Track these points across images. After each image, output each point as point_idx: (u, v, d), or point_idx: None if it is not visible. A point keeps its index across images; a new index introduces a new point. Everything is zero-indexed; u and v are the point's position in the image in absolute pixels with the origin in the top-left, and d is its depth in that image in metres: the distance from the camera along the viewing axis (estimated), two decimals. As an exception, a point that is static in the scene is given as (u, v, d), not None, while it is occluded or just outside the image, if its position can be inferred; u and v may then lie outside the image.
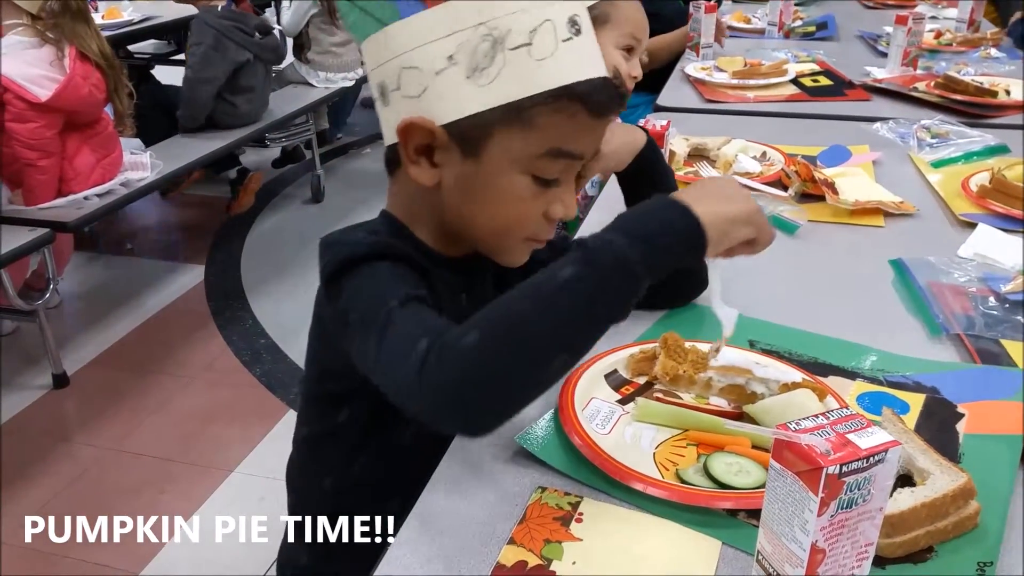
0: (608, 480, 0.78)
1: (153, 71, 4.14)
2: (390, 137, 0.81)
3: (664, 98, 2.20)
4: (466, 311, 0.85)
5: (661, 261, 0.69)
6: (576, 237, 0.69)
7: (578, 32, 0.75)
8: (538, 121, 0.74)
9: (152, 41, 4.47)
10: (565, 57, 0.74)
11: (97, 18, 3.85)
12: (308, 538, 0.93)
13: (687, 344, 0.92)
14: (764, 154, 1.65)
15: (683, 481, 0.78)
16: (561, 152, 0.77)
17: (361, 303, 0.74)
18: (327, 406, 0.88)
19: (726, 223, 0.72)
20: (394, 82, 0.77)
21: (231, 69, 3.24)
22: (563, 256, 0.68)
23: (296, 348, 2.78)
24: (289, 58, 4.00)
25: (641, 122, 1.35)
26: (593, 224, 1.38)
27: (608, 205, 1.45)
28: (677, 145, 1.62)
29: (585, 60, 0.76)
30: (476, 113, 0.74)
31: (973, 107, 1.98)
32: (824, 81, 2.26)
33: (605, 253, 0.67)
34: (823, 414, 0.60)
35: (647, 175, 1.01)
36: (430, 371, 0.65)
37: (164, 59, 4.35)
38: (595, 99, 0.76)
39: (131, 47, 4.27)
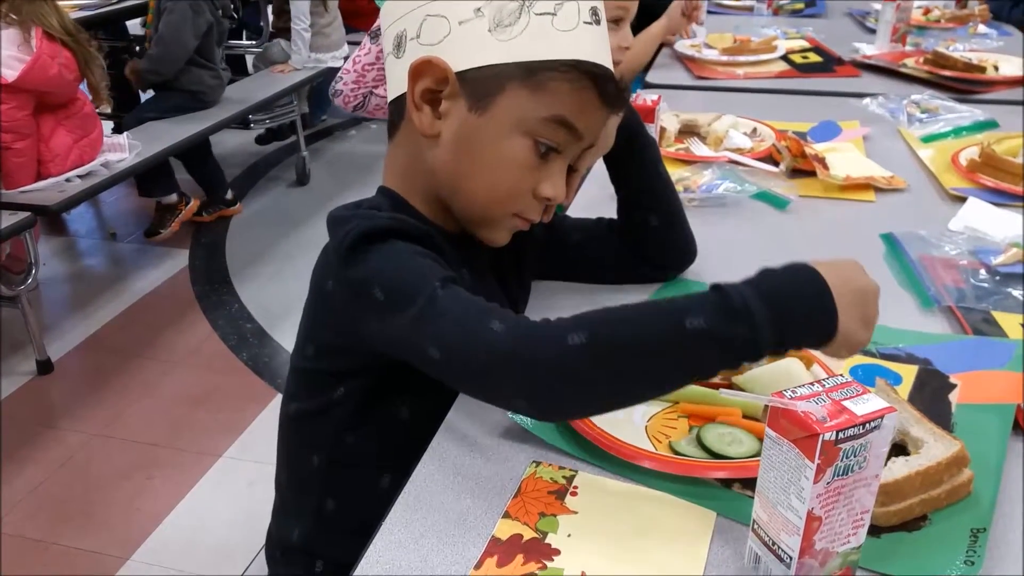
0: (602, 454, 0.78)
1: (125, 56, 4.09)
2: (397, 89, 0.82)
3: (653, 75, 2.18)
4: (469, 285, 0.85)
5: (785, 348, 0.67)
6: (715, 283, 0.67)
7: (598, 22, 0.79)
8: (550, 86, 0.76)
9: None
10: (584, 37, 0.77)
11: (73, -1, 3.80)
12: (297, 516, 0.93)
13: None
14: (755, 130, 1.64)
15: (676, 453, 0.78)
16: (565, 122, 0.78)
17: (389, 279, 0.73)
18: (322, 383, 0.87)
19: (854, 342, 0.69)
20: (415, 30, 0.78)
21: (202, 32, 3.24)
22: (690, 295, 0.67)
23: (282, 332, 2.76)
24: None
25: (631, 98, 1.34)
26: (582, 207, 1.37)
27: (596, 181, 1.44)
28: (668, 121, 1.61)
29: (600, 49, 0.79)
30: (491, 65, 0.76)
31: (962, 83, 1.98)
32: (814, 58, 2.25)
33: (742, 324, 0.64)
34: (818, 381, 0.60)
35: (630, 147, 1.01)
36: (525, 348, 0.66)
37: (142, 40, 4.28)
38: (606, 86, 0.79)
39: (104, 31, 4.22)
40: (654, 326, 0.66)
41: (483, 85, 0.77)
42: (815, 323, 0.66)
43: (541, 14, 0.75)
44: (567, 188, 0.87)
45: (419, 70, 0.78)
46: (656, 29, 2.21)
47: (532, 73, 0.76)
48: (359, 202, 0.87)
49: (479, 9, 0.75)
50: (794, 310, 0.66)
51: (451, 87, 0.78)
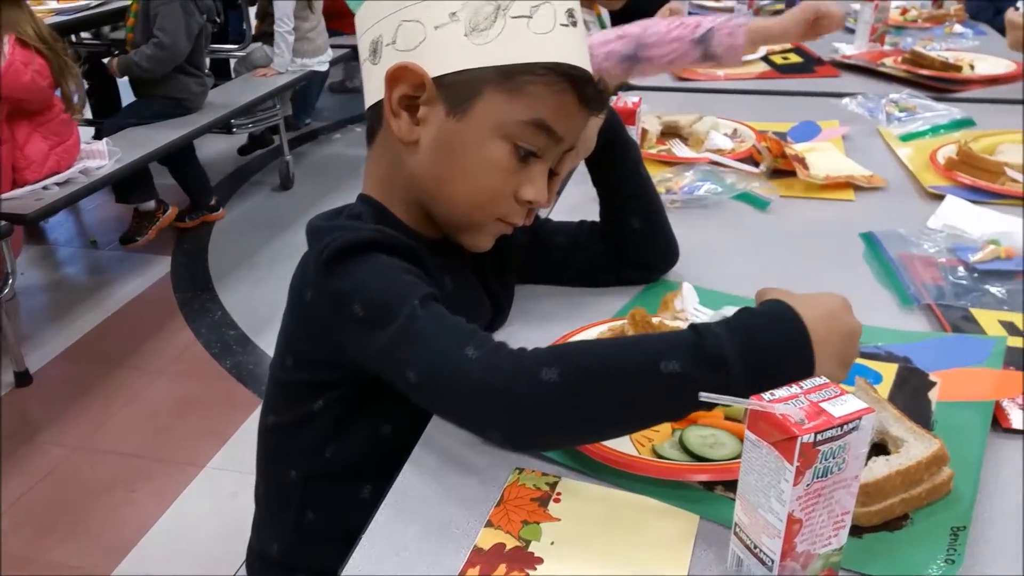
0: (584, 460, 0.78)
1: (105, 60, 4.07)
2: (374, 95, 0.81)
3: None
4: (451, 296, 0.85)
5: (759, 391, 0.67)
6: (693, 322, 0.67)
7: (574, 24, 0.79)
8: (528, 89, 0.77)
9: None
10: (561, 39, 0.77)
11: (52, 2, 3.78)
12: (277, 528, 0.92)
13: (654, 319, 0.92)
14: (735, 131, 1.65)
15: (659, 456, 0.78)
16: (544, 126, 0.78)
17: (370, 295, 0.73)
18: (300, 395, 0.86)
19: (832, 380, 0.68)
20: (391, 35, 0.78)
21: (194, 35, 3.25)
22: (666, 335, 0.68)
23: (267, 338, 2.75)
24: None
25: (612, 101, 1.34)
26: (564, 210, 1.37)
27: (579, 183, 1.44)
28: (649, 123, 1.62)
29: (578, 50, 0.79)
30: (468, 69, 0.76)
31: (939, 81, 1.99)
32: (794, 58, 2.27)
33: (717, 373, 0.63)
34: (797, 383, 0.60)
35: (611, 148, 1.01)
36: (499, 381, 0.66)
37: (122, 45, 4.26)
38: (584, 88, 0.79)
39: (89, 33, 4.19)
40: (628, 367, 0.65)
41: (460, 90, 0.77)
42: (791, 370, 0.65)
43: (517, 17, 0.75)
44: (553, 182, 0.87)
45: (395, 76, 0.78)
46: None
47: (509, 77, 0.76)
48: (339, 210, 0.86)
49: (454, 14, 0.75)
50: (770, 361, 0.65)
51: (428, 93, 0.78)
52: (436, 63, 0.77)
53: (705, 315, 0.84)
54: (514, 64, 0.75)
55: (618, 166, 1.03)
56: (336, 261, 0.74)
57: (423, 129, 0.79)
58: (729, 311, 0.74)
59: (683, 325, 0.86)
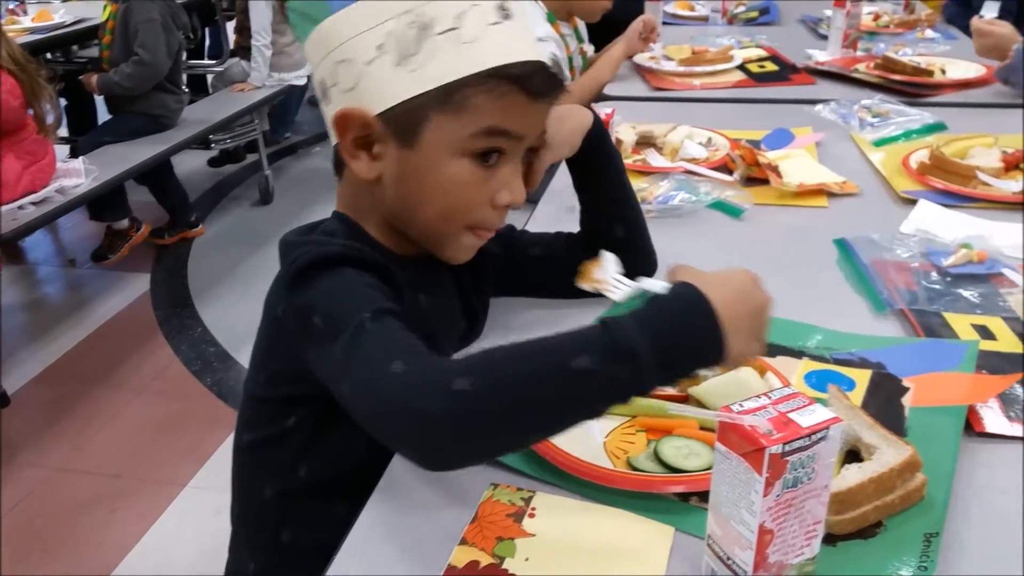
0: (559, 473, 0.77)
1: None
2: (334, 135, 0.80)
3: (610, 87, 2.19)
4: (426, 313, 0.84)
5: (673, 381, 0.67)
6: (602, 317, 0.66)
7: (507, 16, 0.76)
8: (471, 103, 0.75)
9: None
10: (494, 40, 0.74)
11: (26, 21, 3.76)
12: (253, 549, 0.91)
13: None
14: (709, 140, 1.65)
15: (634, 468, 0.78)
16: (496, 130, 0.77)
17: (329, 307, 0.72)
18: (274, 411, 0.86)
19: (744, 357, 0.69)
20: (332, 78, 0.78)
21: (174, 52, 3.25)
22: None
23: (247, 355, 2.68)
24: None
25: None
26: (545, 217, 1.37)
27: (555, 196, 1.45)
28: (624, 133, 1.62)
29: (516, 44, 0.76)
30: (408, 99, 0.74)
31: (911, 86, 2.01)
32: (770, 67, 2.28)
33: (627, 365, 0.62)
34: (765, 394, 0.60)
35: (595, 155, 1.01)
36: (410, 398, 0.62)
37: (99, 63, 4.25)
38: (530, 81, 0.76)
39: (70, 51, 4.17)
40: (539, 368, 0.63)
41: (405, 121, 0.76)
42: (702, 356, 0.66)
43: (444, 33, 0.73)
44: (533, 176, 0.87)
45: (340, 123, 0.77)
46: (616, 52, 2.24)
47: (449, 96, 0.74)
48: (312, 225, 0.86)
49: (380, 46, 0.74)
50: (680, 347, 0.65)
51: (376, 130, 0.77)
52: (375, 100, 0.75)
53: (626, 286, 0.82)
54: (451, 82, 0.74)
55: (603, 173, 1.03)
56: (304, 275, 0.74)
57: (382, 164, 0.79)
58: (647, 283, 0.77)
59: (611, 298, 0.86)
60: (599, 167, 1.02)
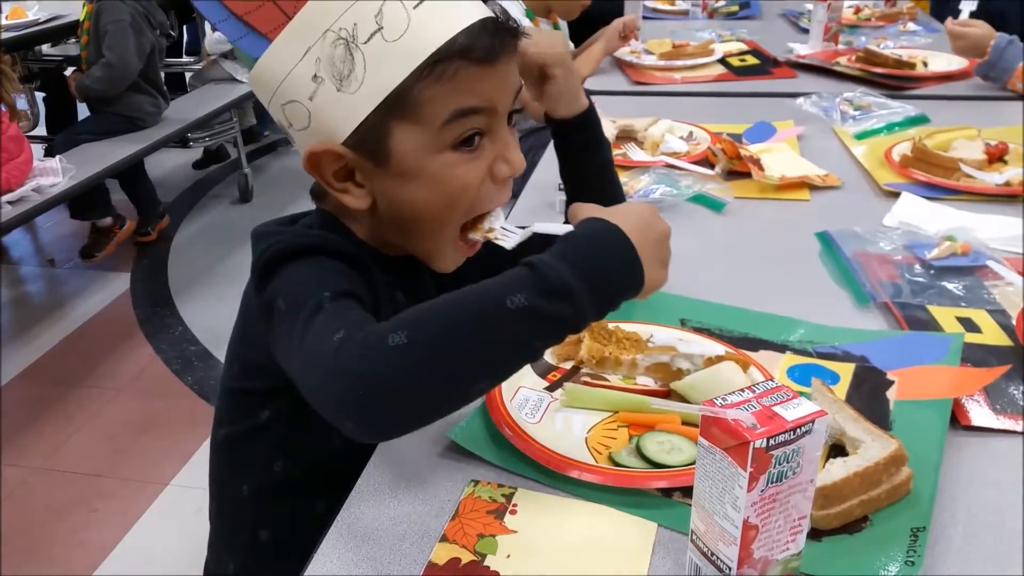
0: (541, 469, 0.76)
1: (66, 72, 4.00)
2: (314, 176, 0.77)
3: (591, 82, 2.18)
4: (405, 309, 0.82)
5: (607, 312, 0.66)
6: (527, 259, 0.64)
7: None
8: (424, 98, 0.70)
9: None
10: (422, 24, 0.69)
11: (0, 18, 3.70)
12: (231, 548, 0.90)
13: (611, 325, 0.91)
14: (690, 134, 1.65)
15: (616, 464, 0.77)
16: (462, 112, 0.72)
17: (292, 290, 0.70)
18: (248, 404, 0.84)
19: (656, 285, 0.70)
20: (286, 120, 0.74)
21: (146, 54, 3.20)
22: (507, 269, 0.64)
23: (229, 353, 2.70)
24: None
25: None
26: (523, 212, 1.36)
27: (537, 189, 1.43)
28: (604, 128, 1.60)
29: (446, 17, 0.70)
30: (363, 121, 0.71)
31: (893, 79, 2.01)
32: (751, 60, 2.28)
33: (564, 302, 0.62)
34: (749, 388, 0.59)
35: (586, 137, 1.00)
36: (346, 360, 0.60)
37: (76, 60, 4.20)
38: (477, 47, 0.70)
39: (43, 49, 4.11)
40: (475, 310, 0.62)
41: (369, 141, 0.72)
42: (628, 284, 0.67)
43: (369, 39, 0.68)
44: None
45: (311, 164, 0.74)
46: (596, 50, 2.23)
47: (401, 101, 0.70)
48: (295, 216, 0.84)
49: (315, 77, 0.70)
50: (610, 278, 0.66)
51: (349, 159, 0.74)
52: (334, 132, 0.72)
53: (513, 234, 0.79)
54: (395, 89, 0.70)
55: (591, 159, 1.02)
56: (274, 264, 0.72)
57: (369, 189, 0.76)
58: (540, 226, 0.75)
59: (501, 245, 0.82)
60: (588, 152, 1.01)
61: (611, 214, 0.68)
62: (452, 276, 0.93)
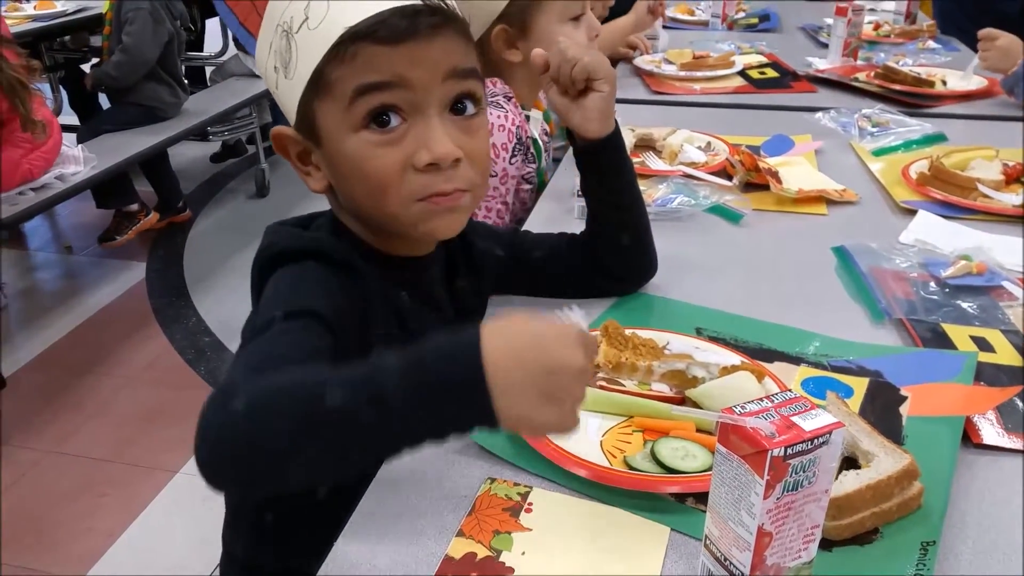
0: (557, 469, 0.78)
1: (85, 67, 4.04)
2: None
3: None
4: (407, 310, 0.83)
5: (437, 437, 0.60)
6: (383, 352, 0.59)
7: None
8: (333, 78, 0.75)
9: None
10: (341, 10, 0.74)
11: (29, 8, 3.75)
12: (239, 529, 0.92)
13: (628, 331, 0.92)
14: (709, 144, 1.66)
15: (631, 467, 0.78)
16: (364, 89, 0.73)
17: (263, 304, 0.75)
18: None
19: (534, 424, 0.61)
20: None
21: (163, 42, 3.24)
22: (360, 364, 0.59)
23: (242, 345, 2.72)
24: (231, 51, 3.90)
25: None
26: (540, 222, 1.38)
27: (556, 196, 1.45)
28: (623, 135, 1.62)
29: (362, 5, 0.73)
30: (299, 104, 0.77)
31: (911, 97, 2.02)
32: (771, 73, 2.28)
33: (374, 407, 0.57)
34: (767, 397, 0.60)
35: (611, 156, 1.02)
36: (208, 404, 0.60)
37: (98, 51, 4.23)
38: (382, 28, 0.72)
39: (67, 40, 4.15)
40: (302, 397, 0.58)
41: (307, 122, 0.78)
42: (462, 414, 0.59)
43: (300, 28, 0.75)
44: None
45: (275, 144, 0.83)
46: (624, 23, 2.26)
47: (316, 83, 0.75)
48: (314, 215, 0.88)
49: (275, 67, 0.78)
50: (435, 402, 0.58)
51: (300, 141, 0.81)
52: (289, 115, 0.80)
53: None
54: (313, 72, 0.75)
55: (616, 176, 1.03)
56: (267, 267, 0.78)
57: (324, 168, 0.81)
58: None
59: None
60: (612, 170, 1.02)
61: (496, 332, 0.58)
62: (468, 271, 0.95)
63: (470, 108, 0.79)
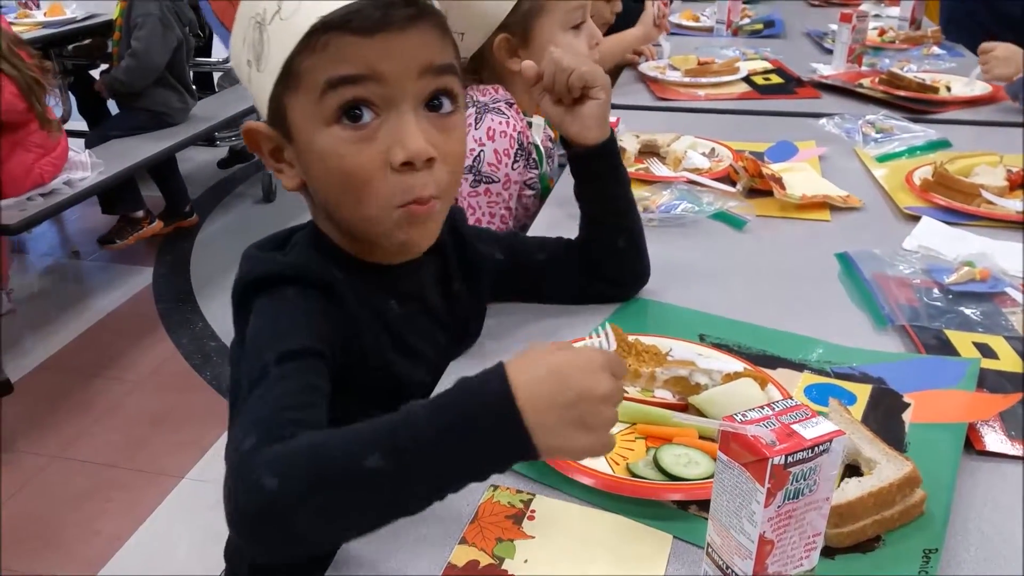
0: (559, 477, 0.78)
1: (93, 73, 4.06)
2: None
3: (615, 96, 2.19)
4: (397, 319, 0.84)
5: (469, 481, 0.62)
6: (407, 405, 0.61)
7: None
8: (303, 69, 0.73)
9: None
10: (310, 3, 0.72)
11: (39, 15, 3.77)
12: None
13: (630, 338, 0.92)
14: (713, 150, 1.66)
15: (634, 475, 0.78)
16: (335, 81, 0.72)
17: (249, 346, 0.73)
18: None
19: (573, 450, 0.63)
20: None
21: (172, 48, 3.27)
22: (392, 417, 0.60)
23: (248, 350, 2.73)
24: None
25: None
26: (542, 227, 1.38)
27: (558, 201, 1.45)
28: (627, 142, 1.63)
29: None
30: (270, 98, 0.76)
31: (916, 103, 2.02)
32: (776, 79, 2.28)
33: (420, 464, 0.59)
34: (768, 405, 0.60)
35: (606, 162, 1.03)
36: (234, 485, 0.60)
37: (108, 57, 4.25)
38: (355, 19, 0.71)
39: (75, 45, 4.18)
40: (339, 468, 0.59)
41: (278, 116, 0.77)
42: (500, 456, 0.61)
43: (272, 19, 0.74)
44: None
45: (247, 141, 0.81)
46: (631, 35, 2.27)
47: (287, 75, 0.74)
48: (293, 229, 0.85)
49: (248, 60, 0.77)
50: (480, 451, 0.60)
51: (272, 136, 0.79)
52: (261, 110, 0.79)
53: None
54: (284, 64, 0.73)
55: (613, 180, 1.04)
56: (245, 297, 0.77)
57: (296, 166, 0.79)
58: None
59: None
60: (607, 175, 1.03)
61: (520, 368, 0.60)
62: (464, 276, 0.95)
63: (447, 105, 0.77)
